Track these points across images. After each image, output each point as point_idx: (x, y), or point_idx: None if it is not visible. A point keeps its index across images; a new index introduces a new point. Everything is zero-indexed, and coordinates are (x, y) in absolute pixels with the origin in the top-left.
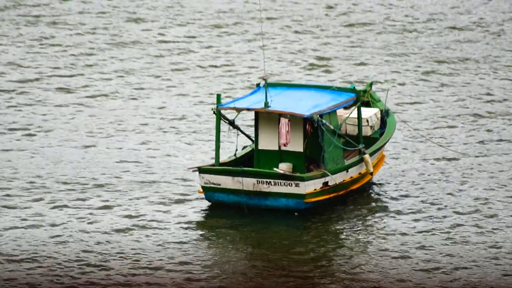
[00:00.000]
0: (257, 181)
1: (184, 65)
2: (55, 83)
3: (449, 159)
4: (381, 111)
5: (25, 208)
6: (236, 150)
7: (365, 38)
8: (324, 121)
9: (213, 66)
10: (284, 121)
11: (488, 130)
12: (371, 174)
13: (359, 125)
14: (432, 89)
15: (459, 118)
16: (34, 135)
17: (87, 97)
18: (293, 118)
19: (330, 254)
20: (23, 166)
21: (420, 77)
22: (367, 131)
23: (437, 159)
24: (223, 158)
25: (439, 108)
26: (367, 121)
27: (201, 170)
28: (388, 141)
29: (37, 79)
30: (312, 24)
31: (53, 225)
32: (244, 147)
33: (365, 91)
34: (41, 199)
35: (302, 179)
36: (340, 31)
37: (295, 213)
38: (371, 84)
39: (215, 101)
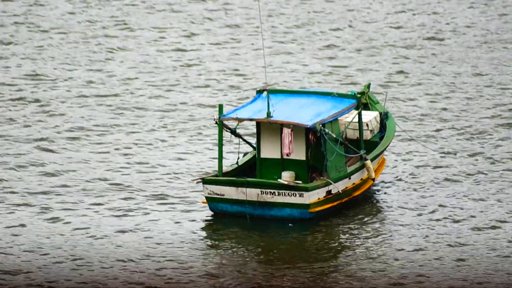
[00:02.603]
0: (261, 191)
1: (184, 74)
2: (61, 87)
3: (450, 163)
4: (381, 114)
5: (13, 215)
6: (238, 158)
7: (364, 42)
8: (326, 130)
9: (213, 74)
10: (286, 131)
11: (488, 134)
12: (373, 179)
13: (360, 130)
14: (430, 91)
15: (457, 121)
16: (43, 140)
17: (86, 106)
18: (296, 127)
19: (334, 261)
20: (26, 175)
21: (416, 79)
22: (367, 135)
23: (438, 162)
24: (225, 165)
25: (438, 110)
26: (367, 125)
27: (205, 181)
28: (388, 145)
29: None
30: (310, 29)
31: (50, 230)
32: (245, 154)
33: (363, 93)
34: (43, 207)
35: (306, 189)
36: (339, 35)
37: (289, 224)
38: (369, 86)
39: (216, 110)
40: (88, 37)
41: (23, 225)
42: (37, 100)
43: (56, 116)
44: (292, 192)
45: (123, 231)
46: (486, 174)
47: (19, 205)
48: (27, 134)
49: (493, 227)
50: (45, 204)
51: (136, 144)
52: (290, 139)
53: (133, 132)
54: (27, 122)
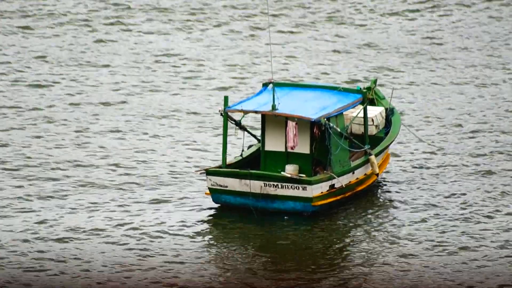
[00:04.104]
0: (264, 183)
1: (188, 67)
2: (60, 82)
3: (454, 160)
4: (386, 109)
5: (12, 215)
6: (242, 150)
7: (370, 37)
8: (331, 124)
9: (219, 66)
10: (291, 124)
11: (493, 131)
12: (377, 175)
13: (365, 125)
14: (434, 90)
15: (462, 119)
16: (45, 140)
17: (91, 97)
18: (300, 120)
19: (338, 255)
20: (26, 175)
21: (422, 76)
22: (372, 130)
23: (442, 159)
24: (230, 158)
25: (442, 108)
26: (372, 120)
27: (208, 172)
28: (393, 141)
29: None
30: (316, 23)
31: (50, 225)
32: (250, 147)
33: (369, 88)
34: (42, 207)
35: (310, 183)
36: (346, 31)
37: (285, 217)
38: (375, 81)
39: (221, 102)
40: (87, 35)
41: (22, 225)
42: (36, 106)
43: (58, 117)
44: (295, 185)
45: (123, 225)
46: (491, 171)
47: (18, 208)
48: (28, 135)
49: (500, 224)
50: (45, 204)
51: (139, 135)
52: (294, 132)
53: (136, 125)
54: (28, 126)
